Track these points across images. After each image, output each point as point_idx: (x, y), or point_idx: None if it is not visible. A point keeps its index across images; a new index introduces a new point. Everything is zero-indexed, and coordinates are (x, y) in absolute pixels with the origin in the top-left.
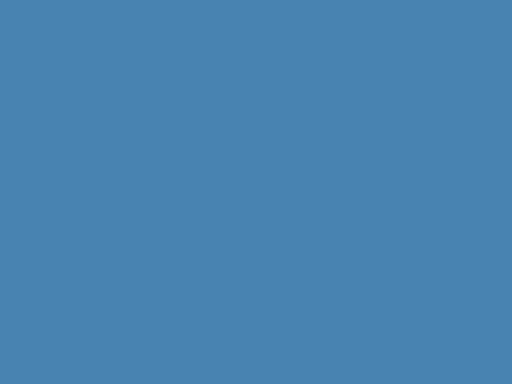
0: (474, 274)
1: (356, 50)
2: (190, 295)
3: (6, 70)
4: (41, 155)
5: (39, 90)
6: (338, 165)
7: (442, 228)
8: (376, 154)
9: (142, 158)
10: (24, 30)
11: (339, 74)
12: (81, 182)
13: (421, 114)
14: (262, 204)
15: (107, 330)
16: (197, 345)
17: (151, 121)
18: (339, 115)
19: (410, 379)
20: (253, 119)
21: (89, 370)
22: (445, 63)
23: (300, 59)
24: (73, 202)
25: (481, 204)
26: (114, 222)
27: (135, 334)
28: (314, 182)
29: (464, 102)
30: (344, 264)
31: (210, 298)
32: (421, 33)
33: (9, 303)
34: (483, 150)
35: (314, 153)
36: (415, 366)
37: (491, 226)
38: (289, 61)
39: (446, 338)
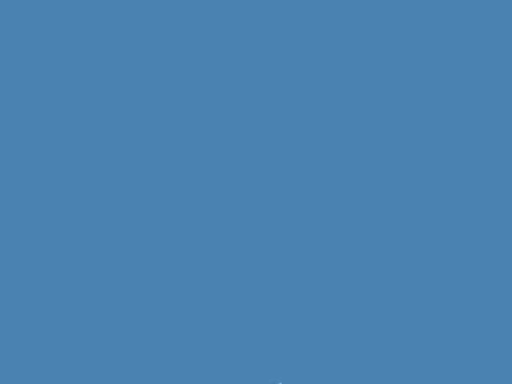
0: (474, 274)
1: (356, 51)
2: (190, 295)
3: (6, 69)
4: (41, 155)
5: (39, 90)
6: (338, 165)
7: (441, 228)
8: (376, 154)
9: (141, 157)
10: (24, 29)
11: (339, 74)
12: (80, 182)
13: (421, 114)
14: (261, 204)
15: (107, 329)
16: (197, 345)
17: (151, 121)
18: (339, 115)
19: (410, 379)
20: (252, 119)
21: (89, 369)
22: (445, 63)
23: (300, 59)
24: (73, 201)
25: (481, 204)
26: (113, 221)
27: (135, 334)
28: (314, 181)
29: (464, 101)
30: (344, 264)
31: (210, 298)
32: (421, 33)
33: (9, 303)
34: (483, 150)
35: (314, 153)
36: (415, 365)
37: (491, 226)
38: (289, 61)
39: (446, 337)
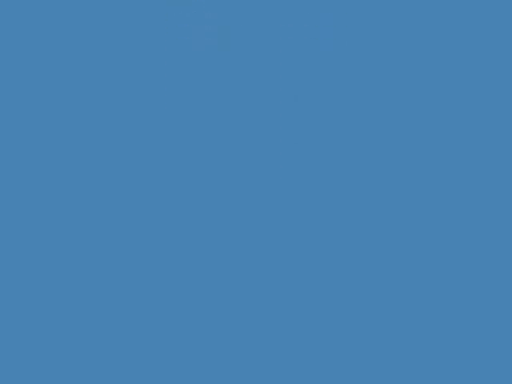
0: (474, 274)
1: (356, 51)
2: (190, 295)
3: (6, 70)
4: (40, 155)
5: (39, 90)
6: (338, 166)
7: (442, 228)
8: (376, 154)
9: (141, 158)
10: (24, 29)
11: (339, 74)
12: (80, 183)
13: (421, 115)
14: (261, 205)
15: (107, 330)
16: (197, 345)
17: (151, 121)
18: (339, 116)
19: (410, 379)
20: (252, 120)
21: (89, 370)
22: (445, 63)
23: (300, 60)
24: (72, 202)
25: (481, 205)
26: (113, 222)
27: (135, 334)
28: (314, 182)
29: (464, 102)
30: (344, 264)
31: (209, 299)
32: (421, 33)
33: (9, 303)
34: (483, 151)
35: (314, 153)
36: (415, 366)
37: (491, 227)
38: (289, 62)
39: (445, 338)
